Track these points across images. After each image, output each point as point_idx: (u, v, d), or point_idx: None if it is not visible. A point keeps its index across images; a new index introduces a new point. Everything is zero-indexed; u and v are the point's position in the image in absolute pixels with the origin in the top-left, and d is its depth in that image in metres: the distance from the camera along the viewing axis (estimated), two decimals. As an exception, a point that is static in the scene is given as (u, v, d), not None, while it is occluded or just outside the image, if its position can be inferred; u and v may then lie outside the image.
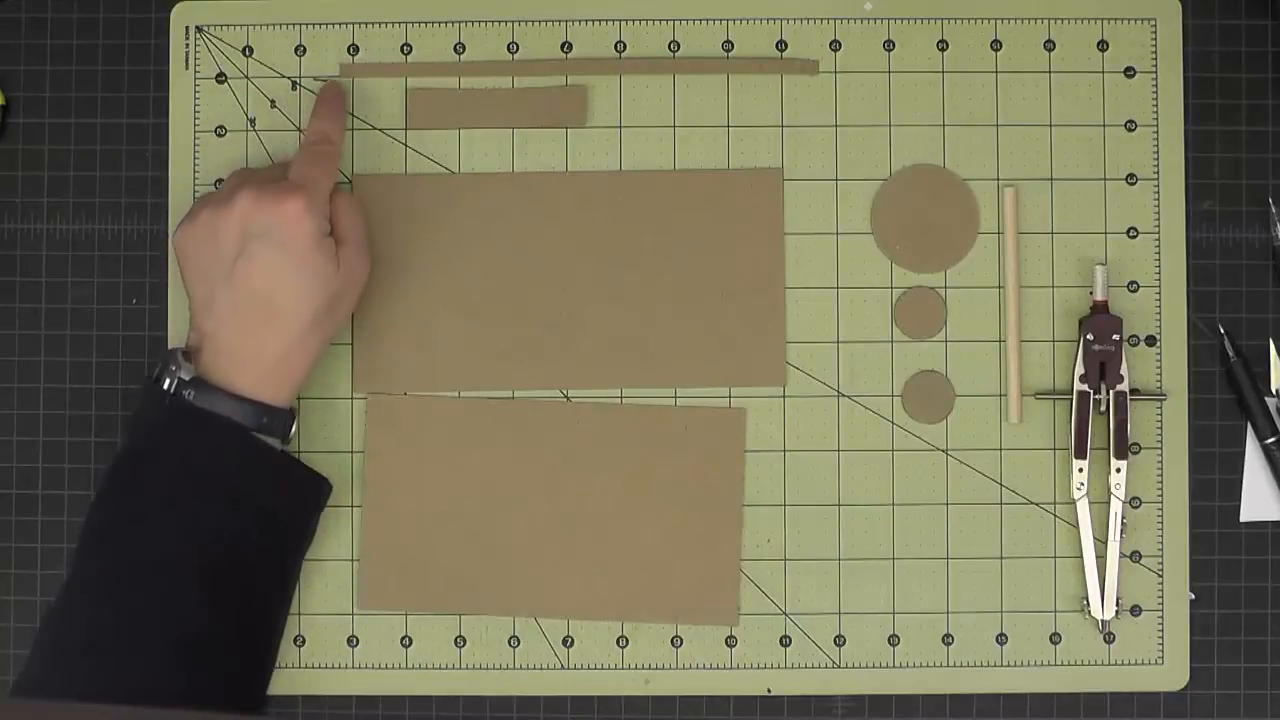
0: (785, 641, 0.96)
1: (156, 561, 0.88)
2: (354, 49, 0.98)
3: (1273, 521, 0.97)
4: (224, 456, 0.90)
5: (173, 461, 0.89)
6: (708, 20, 0.98)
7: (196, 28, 0.98)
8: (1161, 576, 0.96)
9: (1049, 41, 0.97)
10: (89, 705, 0.84)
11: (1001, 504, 0.96)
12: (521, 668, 0.97)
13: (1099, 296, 0.96)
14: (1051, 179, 0.97)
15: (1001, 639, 0.96)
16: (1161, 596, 0.96)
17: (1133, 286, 0.97)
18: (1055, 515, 0.96)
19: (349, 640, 0.97)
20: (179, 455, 0.89)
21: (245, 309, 0.89)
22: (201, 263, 0.91)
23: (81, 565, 0.89)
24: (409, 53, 0.98)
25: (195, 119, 0.98)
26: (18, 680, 0.89)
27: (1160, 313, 0.97)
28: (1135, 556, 0.96)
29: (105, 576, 0.88)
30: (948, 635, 0.96)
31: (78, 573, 0.89)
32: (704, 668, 0.97)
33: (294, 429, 0.93)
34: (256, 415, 0.90)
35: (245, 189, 0.90)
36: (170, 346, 0.94)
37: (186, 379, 0.89)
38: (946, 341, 0.97)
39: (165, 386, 0.90)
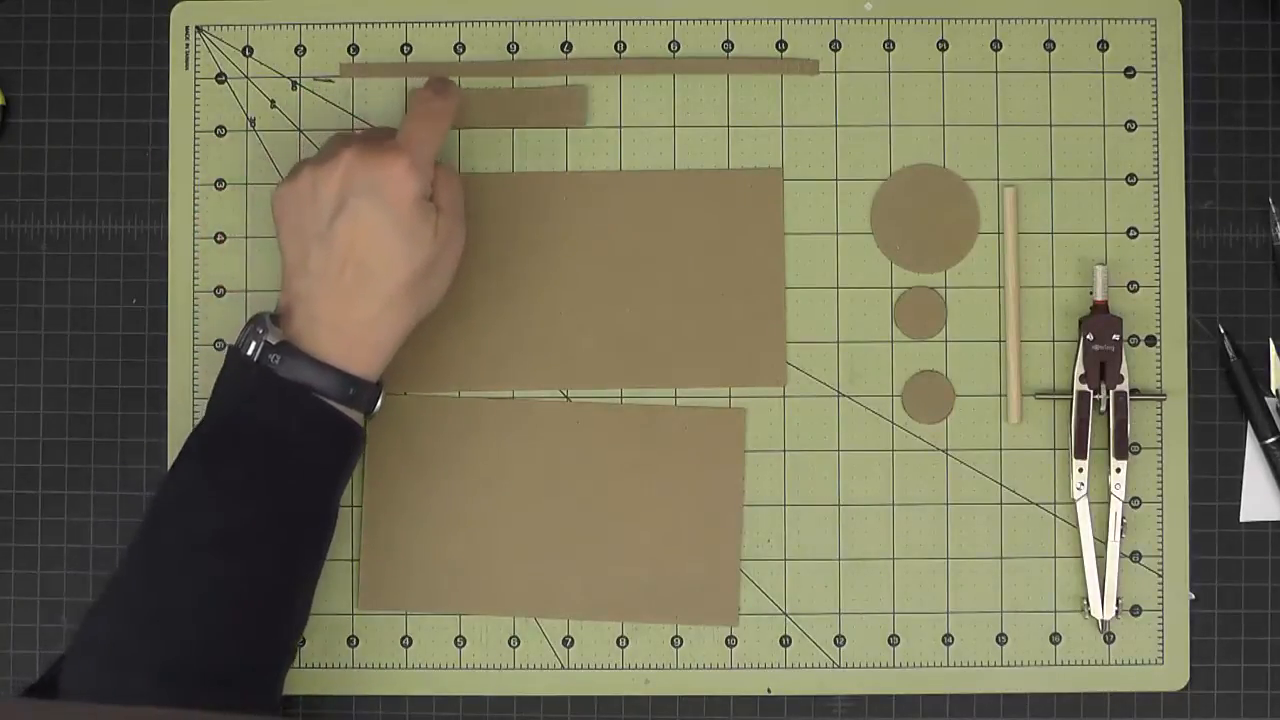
0: (785, 641, 0.96)
1: (236, 533, 0.86)
2: (354, 49, 0.98)
3: (1273, 521, 0.97)
4: (310, 431, 0.88)
5: (256, 434, 0.88)
6: (708, 20, 0.98)
7: (196, 28, 0.98)
8: (1161, 576, 0.96)
9: (1049, 41, 0.97)
10: (89, 705, 0.84)
11: (1001, 504, 0.96)
12: (521, 668, 0.97)
13: (1099, 296, 0.96)
14: (1051, 179, 0.97)
15: (1001, 639, 0.96)
16: (1161, 596, 0.96)
17: (1133, 286, 0.97)
18: (1055, 515, 0.96)
19: (349, 640, 0.97)
20: (263, 428, 0.88)
21: (339, 269, 0.87)
22: (299, 220, 0.89)
23: (155, 533, 0.87)
24: (409, 53, 0.98)
25: (195, 119, 0.98)
26: (74, 645, 0.86)
27: (1160, 313, 0.97)
28: (1135, 556, 0.96)
29: (182, 546, 0.86)
30: (948, 635, 0.96)
31: (150, 540, 0.87)
32: (704, 668, 0.97)
33: (379, 404, 0.90)
34: (343, 385, 0.88)
35: (350, 147, 0.88)
36: (258, 311, 0.91)
37: (273, 343, 0.87)
38: (946, 341, 0.97)
39: (250, 352, 0.88)
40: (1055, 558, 0.96)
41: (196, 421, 0.97)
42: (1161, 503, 0.96)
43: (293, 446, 0.88)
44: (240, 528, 0.87)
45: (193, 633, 0.85)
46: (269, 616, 0.88)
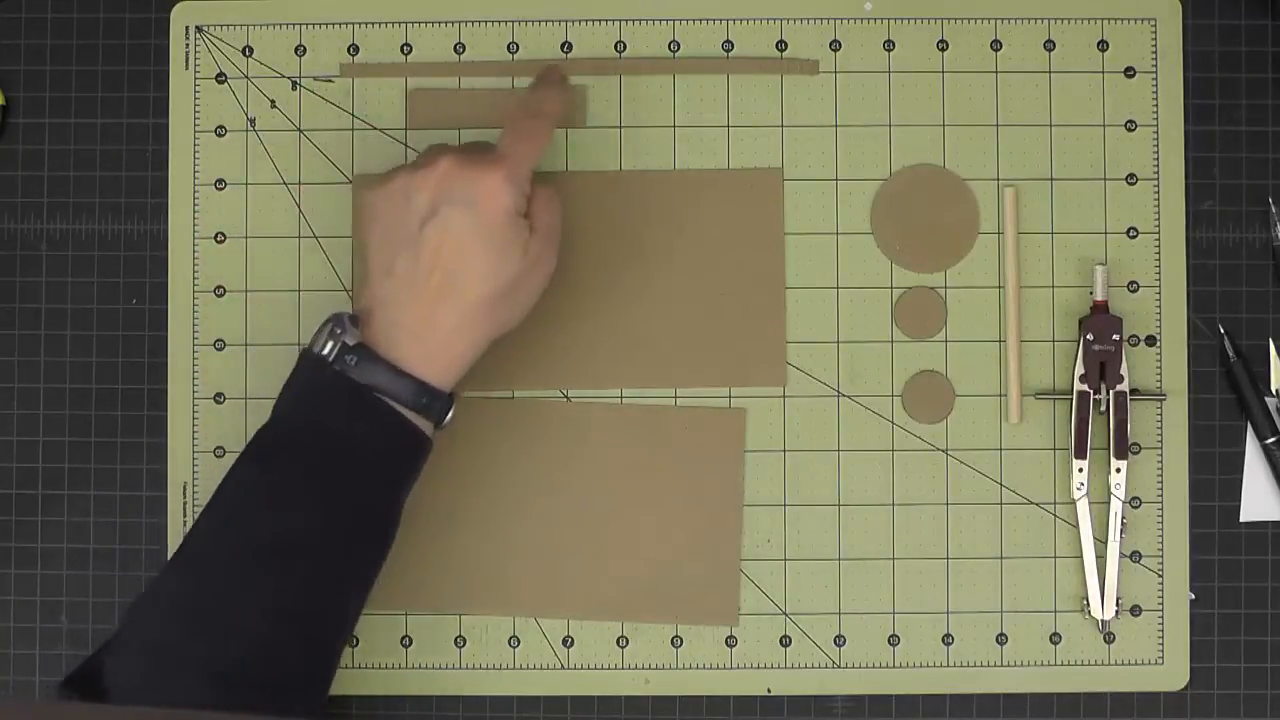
0: (785, 641, 0.96)
1: (297, 539, 0.86)
2: (354, 49, 0.98)
3: (1273, 521, 0.97)
4: (378, 439, 0.87)
5: (324, 439, 0.87)
6: (708, 20, 0.98)
7: (196, 28, 0.98)
8: (1161, 576, 0.96)
9: (1049, 41, 0.97)
10: (90, 706, 0.84)
11: (1001, 504, 0.96)
12: (521, 668, 0.97)
13: (1099, 296, 0.96)
14: (1051, 179, 0.97)
15: (1001, 639, 0.96)
16: (1161, 596, 0.96)
17: (1133, 286, 0.97)
18: (1055, 515, 0.96)
19: (350, 640, 0.97)
20: (331, 433, 0.87)
21: (425, 276, 0.87)
22: (389, 223, 0.88)
23: (213, 534, 0.86)
24: (409, 53, 0.98)
25: (195, 119, 0.98)
26: (119, 641, 0.85)
27: (1160, 313, 0.97)
28: (1135, 556, 0.96)
29: (242, 549, 0.86)
30: (948, 635, 0.96)
31: (208, 541, 0.86)
32: (704, 668, 0.97)
33: (449, 417, 0.90)
34: (417, 394, 0.87)
35: (445, 157, 0.88)
36: (335, 311, 0.90)
37: (350, 344, 0.87)
38: (946, 341, 0.97)
39: (325, 351, 0.87)
40: (1055, 558, 0.96)
41: (196, 422, 0.97)
42: (1161, 503, 0.96)
43: (360, 454, 0.87)
44: (302, 534, 0.86)
45: (248, 637, 0.85)
46: (323, 623, 0.87)
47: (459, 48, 0.98)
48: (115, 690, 0.83)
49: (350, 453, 0.87)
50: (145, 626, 0.85)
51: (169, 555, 0.96)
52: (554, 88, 0.93)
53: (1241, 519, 0.97)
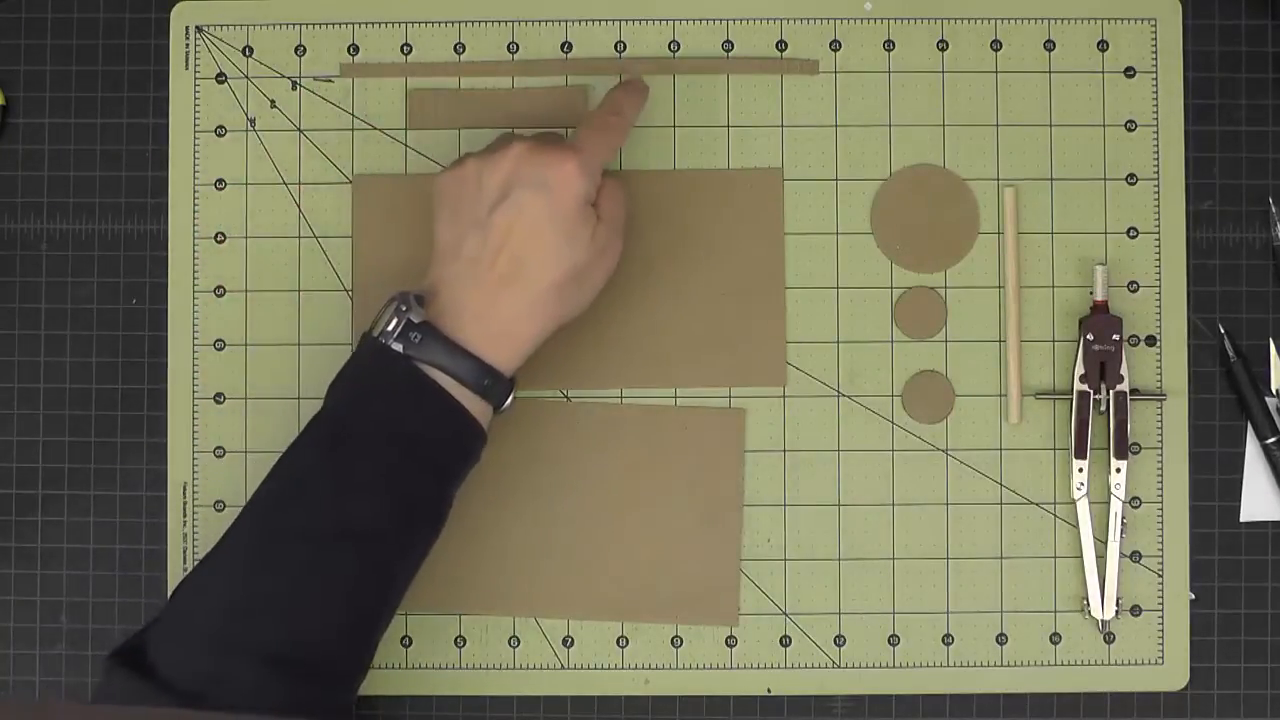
0: (785, 641, 0.96)
1: (356, 529, 0.86)
2: (354, 49, 0.98)
3: (1273, 521, 0.97)
4: (438, 429, 0.87)
5: (385, 429, 0.87)
6: (708, 20, 0.98)
7: (196, 28, 0.98)
8: (1161, 576, 0.96)
9: (1049, 41, 0.97)
10: (89, 705, 0.84)
11: (1001, 504, 0.96)
12: (521, 668, 0.97)
13: (1099, 296, 0.96)
14: (1051, 179, 0.97)
15: (1001, 639, 0.96)
16: (1161, 596, 0.96)
17: (1133, 286, 0.97)
18: (1055, 515, 0.96)
19: (349, 640, 0.97)
20: (393, 423, 0.87)
21: (493, 258, 0.87)
22: (459, 205, 0.89)
23: (271, 519, 0.86)
24: (409, 53, 0.98)
25: (195, 119, 0.98)
26: (169, 621, 0.85)
27: (1160, 313, 0.97)
28: (1135, 556, 0.96)
29: (301, 536, 0.85)
30: (948, 635, 0.96)
31: (265, 526, 0.86)
32: (704, 668, 0.97)
33: (509, 403, 0.90)
34: (479, 374, 0.87)
35: (520, 142, 0.88)
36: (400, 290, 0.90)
37: (416, 321, 0.87)
38: (946, 341, 0.97)
39: (389, 327, 0.87)
40: (1055, 558, 0.96)
41: (196, 422, 0.97)
42: (1161, 503, 0.96)
43: (420, 445, 0.87)
44: (361, 524, 0.86)
45: (307, 622, 0.85)
46: (378, 613, 0.87)
47: (459, 48, 0.98)
48: (162, 666, 0.83)
49: (413, 444, 0.87)
50: (199, 604, 0.85)
51: (168, 555, 0.97)
52: (635, 92, 0.94)
53: (1241, 519, 0.97)
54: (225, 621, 0.84)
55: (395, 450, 0.87)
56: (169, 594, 0.96)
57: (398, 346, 0.87)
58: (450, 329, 0.87)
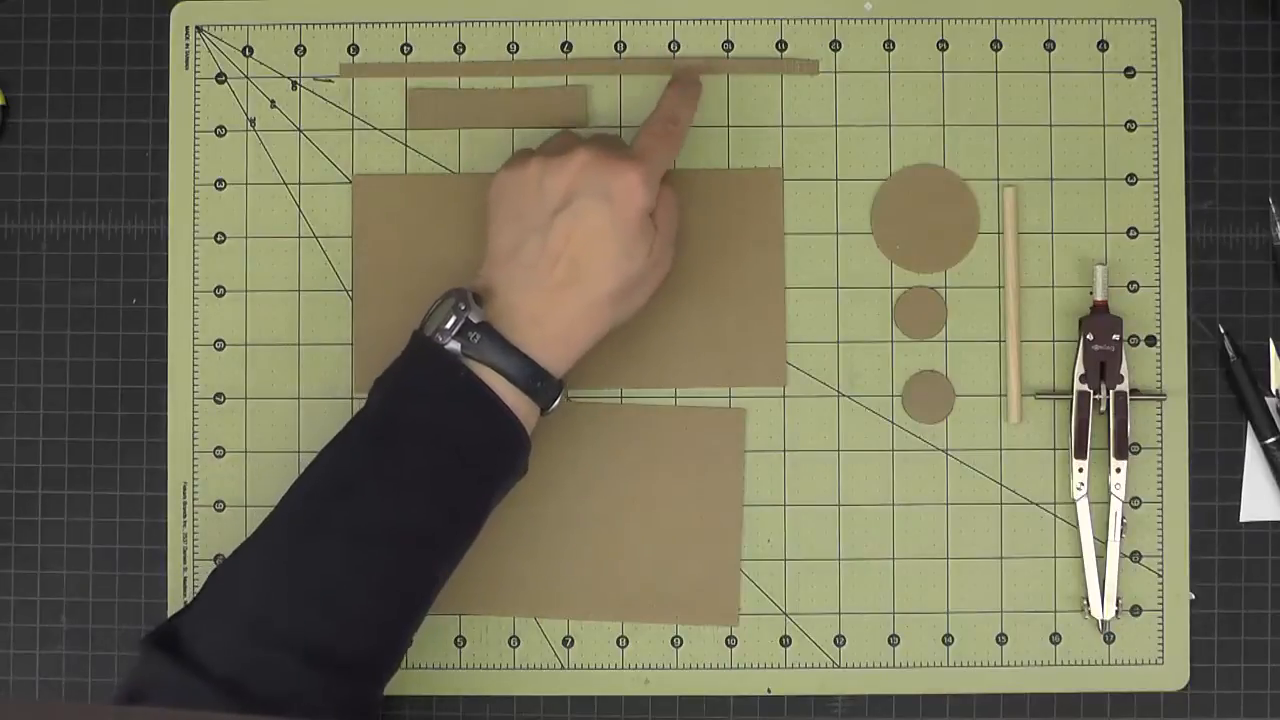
0: (785, 641, 0.96)
1: (402, 528, 0.86)
2: (354, 49, 0.98)
3: (1273, 521, 0.97)
4: (487, 435, 0.87)
5: (434, 431, 0.87)
6: (708, 20, 0.98)
7: (196, 28, 0.98)
8: (1161, 576, 0.96)
9: (1049, 41, 0.97)
10: (90, 705, 0.84)
11: (1001, 504, 0.96)
12: (521, 668, 0.97)
13: (1099, 296, 0.96)
14: (1051, 179, 0.97)
15: (1001, 639, 0.96)
16: (1161, 596, 0.96)
17: (1133, 286, 0.97)
18: (1055, 515, 0.96)
19: (350, 640, 0.97)
20: (442, 426, 0.87)
21: (551, 263, 0.88)
22: (519, 208, 0.89)
23: (316, 513, 0.86)
24: (409, 53, 0.98)
25: (195, 119, 0.98)
26: (207, 608, 0.85)
27: (1160, 313, 0.97)
28: (1135, 556, 0.96)
29: (346, 532, 0.85)
30: (948, 635, 0.96)
31: (309, 520, 0.86)
32: (704, 668, 0.97)
33: (556, 404, 0.90)
34: (533, 375, 0.87)
35: (583, 148, 0.88)
36: (456, 287, 0.90)
37: (475, 321, 0.87)
38: (946, 341, 0.97)
39: (448, 325, 0.87)
40: (1055, 558, 0.96)
41: (196, 422, 0.97)
42: (1161, 503, 0.96)
43: (470, 451, 0.87)
44: (407, 525, 0.86)
45: (349, 617, 0.85)
46: (410, 614, 0.88)
47: (459, 48, 0.98)
48: (200, 651, 0.83)
49: (462, 448, 0.87)
50: (239, 593, 0.85)
51: (168, 555, 0.97)
52: (690, 94, 0.94)
53: (1241, 519, 0.97)
54: (266, 610, 0.84)
55: (444, 453, 0.87)
56: (166, 593, 0.96)
57: (454, 345, 0.87)
58: (506, 329, 0.88)
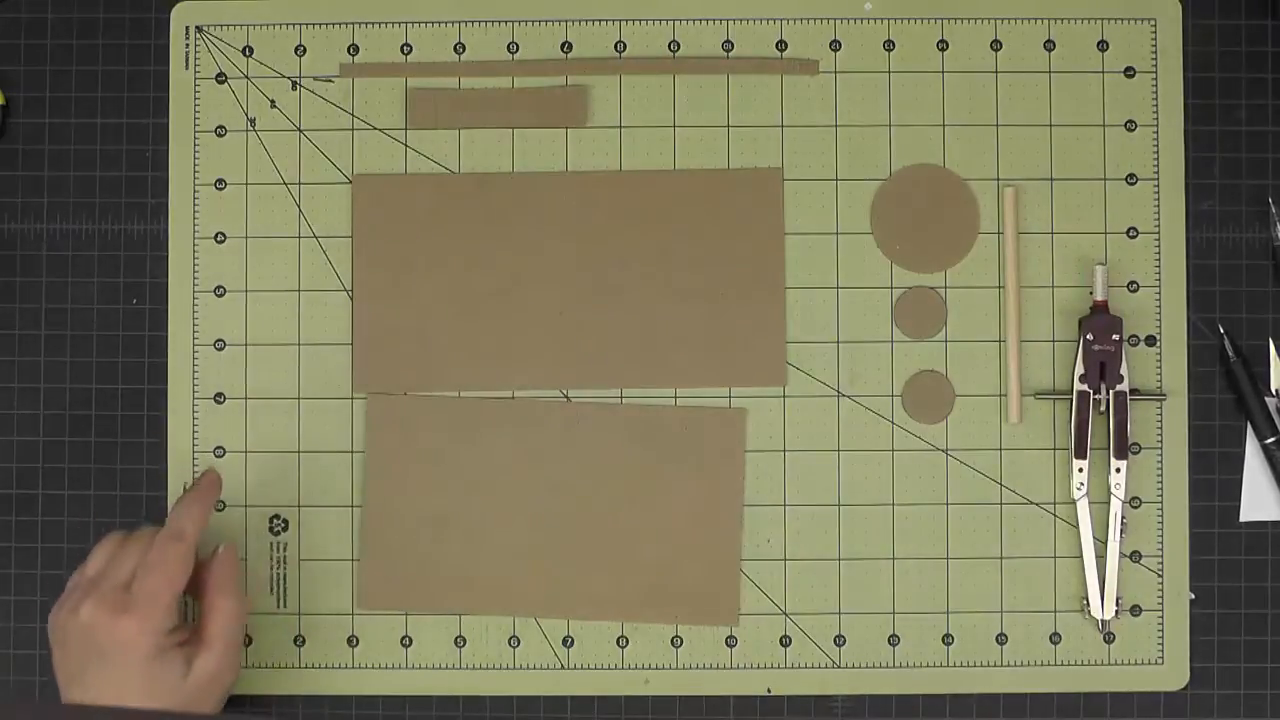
0: (785, 641, 0.96)
1: None
2: (354, 49, 0.98)
3: (1273, 521, 0.97)
4: None
5: None
6: (708, 20, 0.98)
7: (196, 28, 0.98)
8: (1161, 576, 0.96)
9: (1049, 41, 0.97)
10: (90, 705, 0.84)
11: (1001, 504, 0.96)
12: (521, 668, 0.97)
13: (1099, 296, 0.96)
14: (1051, 179, 0.97)
15: (1001, 639, 0.96)
16: (1161, 596, 0.96)
17: (1133, 286, 0.97)
18: (1055, 515, 0.96)
19: (349, 640, 0.97)
20: None
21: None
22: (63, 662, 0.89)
23: None
24: (409, 53, 0.98)
25: (195, 119, 0.98)
26: None
27: (1160, 313, 0.97)
28: (1135, 556, 0.96)
29: None
30: (948, 635, 0.96)
31: None
32: (704, 668, 0.97)
33: None
34: None
35: (89, 600, 0.88)
36: None
37: None
38: (946, 341, 0.97)
39: None
40: (1055, 558, 0.96)
41: (196, 422, 0.97)
42: (1161, 503, 0.96)
43: None
44: None
45: None
46: None
47: (459, 48, 0.98)
48: None
49: None
50: None
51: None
52: (201, 496, 0.93)
53: (1241, 519, 0.97)
54: None
55: None
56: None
57: None
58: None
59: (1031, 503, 0.96)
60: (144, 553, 0.90)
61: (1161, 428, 0.97)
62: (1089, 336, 0.95)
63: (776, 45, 0.98)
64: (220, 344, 0.97)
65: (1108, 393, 0.95)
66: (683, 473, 0.96)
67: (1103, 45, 0.97)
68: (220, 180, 0.98)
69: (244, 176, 0.98)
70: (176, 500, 0.94)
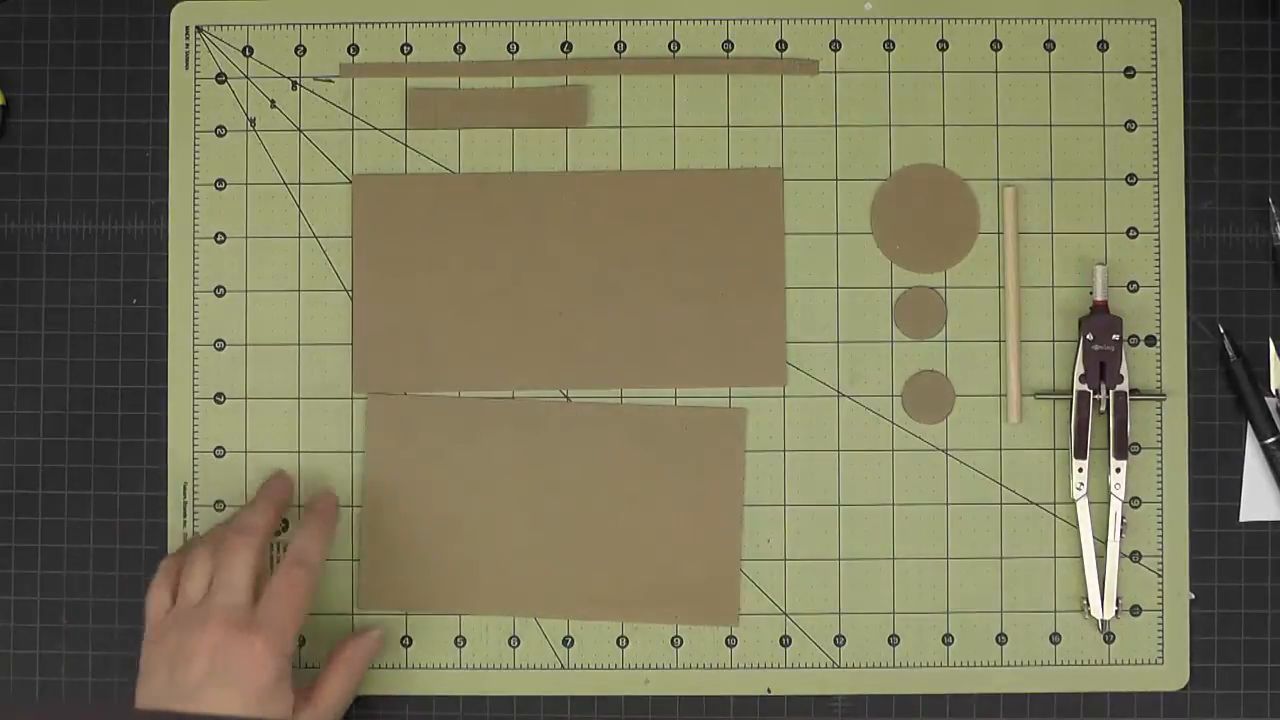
0: (785, 641, 0.96)
1: None
2: (354, 49, 0.98)
3: (1273, 521, 0.97)
4: None
5: None
6: (708, 20, 0.98)
7: (196, 28, 0.98)
8: (1161, 576, 0.96)
9: (1049, 41, 0.97)
10: (92, 705, 0.84)
11: (1001, 504, 0.96)
12: (521, 668, 0.97)
13: (1099, 296, 0.96)
14: (1051, 179, 0.97)
15: (1001, 639, 0.96)
16: (1161, 596, 0.96)
17: (1133, 286, 0.97)
18: (1055, 515, 0.96)
19: (349, 640, 0.97)
20: None
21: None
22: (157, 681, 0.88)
23: None
24: (409, 53, 0.98)
25: (195, 119, 0.98)
26: None
27: (1160, 313, 0.97)
28: (1135, 556, 0.97)
29: None
30: (948, 635, 0.96)
31: None
32: (704, 668, 0.97)
33: None
34: None
35: (214, 618, 0.88)
36: None
37: None
38: (946, 341, 0.97)
39: None
40: (1055, 558, 0.96)
41: (196, 422, 0.97)
42: (1161, 503, 0.96)
43: None
44: None
45: None
46: None
47: (459, 48, 0.98)
48: None
49: None
50: None
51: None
52: (322, 520, 0.93)
53: (1241, 519, 0.97)
54: None
55: None
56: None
57: None
58: None
59: (1031, 503, 0.96)
60: (248, 564, 0.89)
61: (1161, 428, 0.97)
62: (1089, 336, 0.95)
63: (776, 45, 0.98)
64: (220, 344, 0.98)
65: (1108, 393, 0.95)
66: (683, 473, 0.96)
67: (1103, 45, 0.97)
68: (220, 180, 0.98)
69: (244, 176, 0.98)
70: (297, 525, 0.93)
